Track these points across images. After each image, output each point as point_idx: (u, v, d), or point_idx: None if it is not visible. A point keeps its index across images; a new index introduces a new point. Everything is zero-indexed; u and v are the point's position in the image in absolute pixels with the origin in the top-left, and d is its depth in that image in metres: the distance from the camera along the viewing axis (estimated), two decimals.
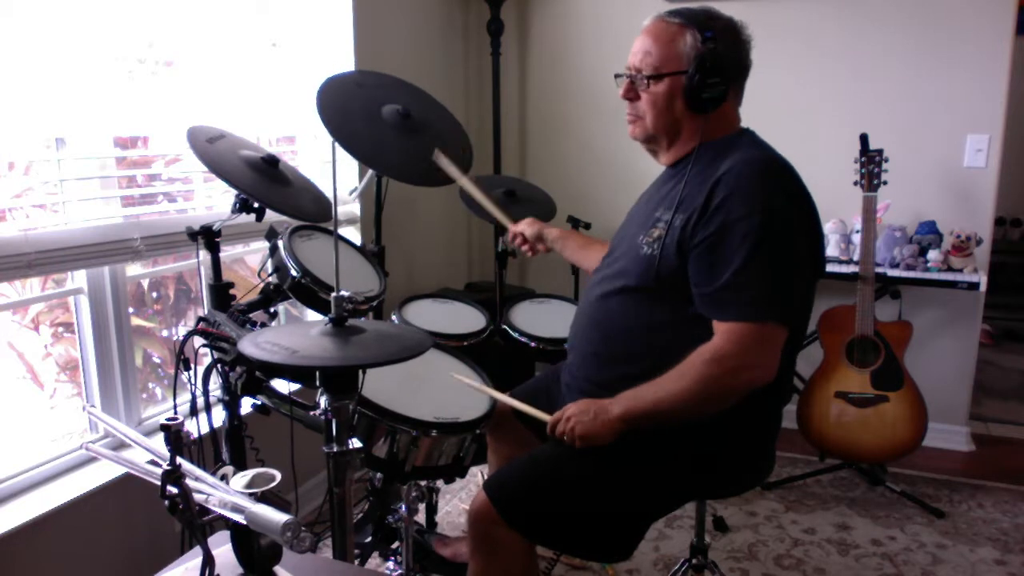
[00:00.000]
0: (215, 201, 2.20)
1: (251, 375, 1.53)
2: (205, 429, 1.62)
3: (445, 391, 1.68)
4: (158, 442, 0.86)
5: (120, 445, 1.85)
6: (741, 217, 1.32)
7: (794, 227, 1.36)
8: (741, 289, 1.32)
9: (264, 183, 1.62)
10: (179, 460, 0.79)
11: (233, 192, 1.60)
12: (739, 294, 1.32)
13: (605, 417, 1.39)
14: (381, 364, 1.16)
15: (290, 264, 1.61)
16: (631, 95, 1.49)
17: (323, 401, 1.16)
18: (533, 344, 2.04)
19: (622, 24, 3.15)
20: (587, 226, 2.59)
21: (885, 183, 2.54)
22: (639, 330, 1.46)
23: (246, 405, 1.60)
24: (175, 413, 1.63)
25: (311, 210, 1.70)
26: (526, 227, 1.91)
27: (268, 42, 2.37)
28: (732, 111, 1.50)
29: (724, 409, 1.37)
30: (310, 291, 1.60)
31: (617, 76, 1.53)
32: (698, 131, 1.46)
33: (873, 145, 2.55)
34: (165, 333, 2.28)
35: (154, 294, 2.26)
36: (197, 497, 0.79)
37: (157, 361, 2.25)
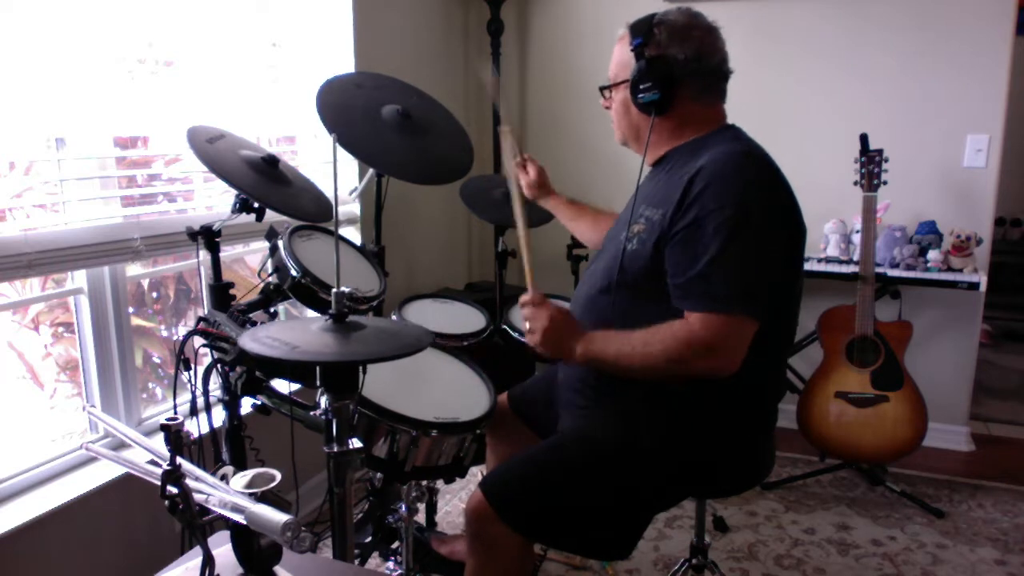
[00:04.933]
0: (215, 201, 2.20)
1: (251, 375, 1.53)
2: (205, 429, 1.62)
3: (445, 391, 1.68)
4: (158, 442, 0.86)
5: (120, 445, 1.85)
6: (714, 210, 1.32)
7: (769, 220, 1.36)
8: (711, 280, 1.32)
9: (264, 183, 1.62)
10: (179, 460, 0.79)
11: (233, 192, 1.60)
12: (709, 285, 1.32)
13: (569, 346, 1.45)
14: (381, 360, 1.16)
15: (290, 264, 1.61)
16: (607, 105, 1.59)
17: (323, 401, 1.16)
18: None
19: (622, 25, 3.15)
20: None
21: (885, 183, 2.54)
22: (626, 327, 1.44)
23: (246, 405, 1.60)
24: (175, 413, 1.63)
25: (311, 210, 1.69)
26: (535, 171, 1.95)
27: (268, 42, 2.37)
28: (705, 109, 1.49)
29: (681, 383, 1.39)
30: (310, 291, 1.60)
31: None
32: (666, 131, 1.50)
33: (873, 145, 2.55)
34: (165, 333, 2.28)
35: (154, 294, 2.26)
36: (197, 497, 0.79)
37: (157, 361, 2.25)
